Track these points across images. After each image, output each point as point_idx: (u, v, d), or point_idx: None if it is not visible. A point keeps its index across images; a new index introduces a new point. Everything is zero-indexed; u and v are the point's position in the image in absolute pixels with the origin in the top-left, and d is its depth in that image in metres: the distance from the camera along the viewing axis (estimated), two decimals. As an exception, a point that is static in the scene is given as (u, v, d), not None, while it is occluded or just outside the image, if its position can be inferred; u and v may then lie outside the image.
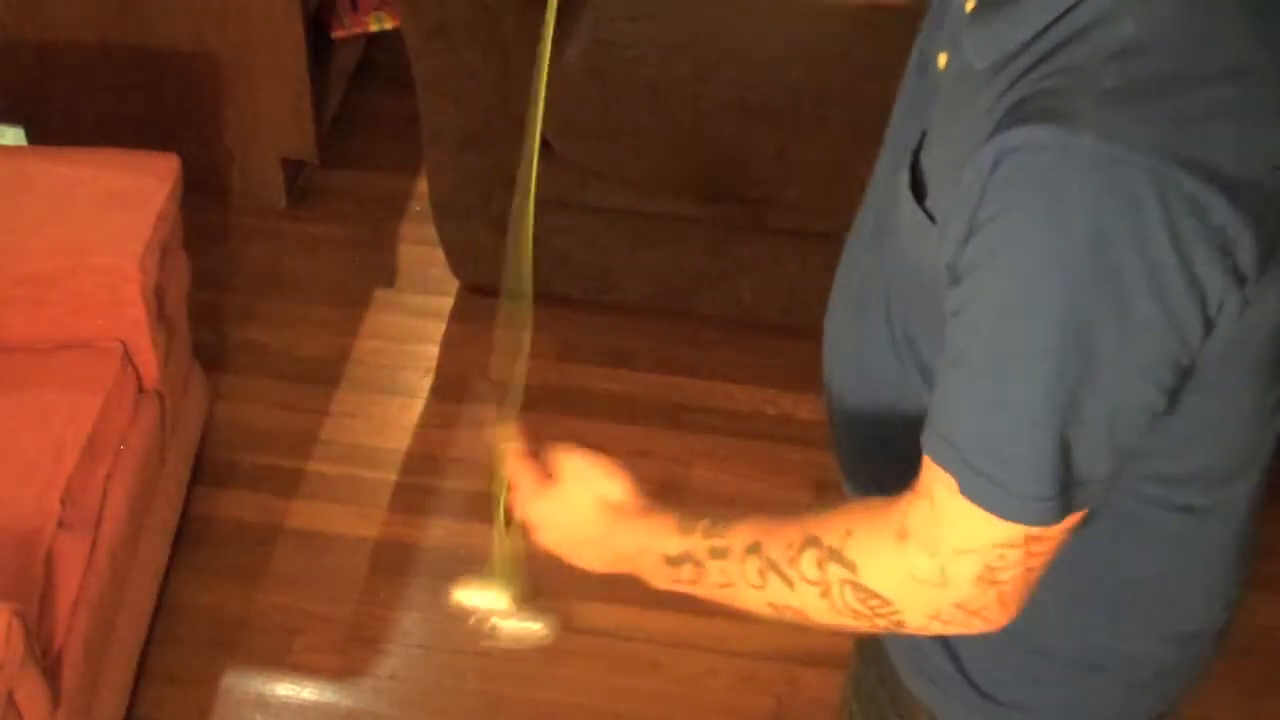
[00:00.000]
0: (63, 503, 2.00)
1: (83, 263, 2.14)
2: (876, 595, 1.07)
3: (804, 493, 2.50)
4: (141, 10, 2.82)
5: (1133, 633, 1.23)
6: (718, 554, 1.15)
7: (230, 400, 2.68)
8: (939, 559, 1.03)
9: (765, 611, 1.15)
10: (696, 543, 1.16)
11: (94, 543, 2.03)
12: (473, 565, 1.37)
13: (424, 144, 2.68)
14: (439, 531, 2.51)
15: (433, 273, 2.92)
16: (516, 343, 1.30)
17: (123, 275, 2.13)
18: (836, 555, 1.08)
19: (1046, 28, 0.96)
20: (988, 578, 1.03)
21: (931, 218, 1.05)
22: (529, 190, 1.24)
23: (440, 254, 2.83)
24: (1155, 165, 0.90)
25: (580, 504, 1.24)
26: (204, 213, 2.84)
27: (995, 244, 0.95)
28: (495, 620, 1.35)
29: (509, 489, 1.29)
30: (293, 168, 3.05)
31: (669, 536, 1.18)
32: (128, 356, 2.20)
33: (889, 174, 1.17)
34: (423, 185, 2.92)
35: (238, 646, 2.37)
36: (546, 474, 1.26)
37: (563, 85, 2.49)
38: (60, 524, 1.99)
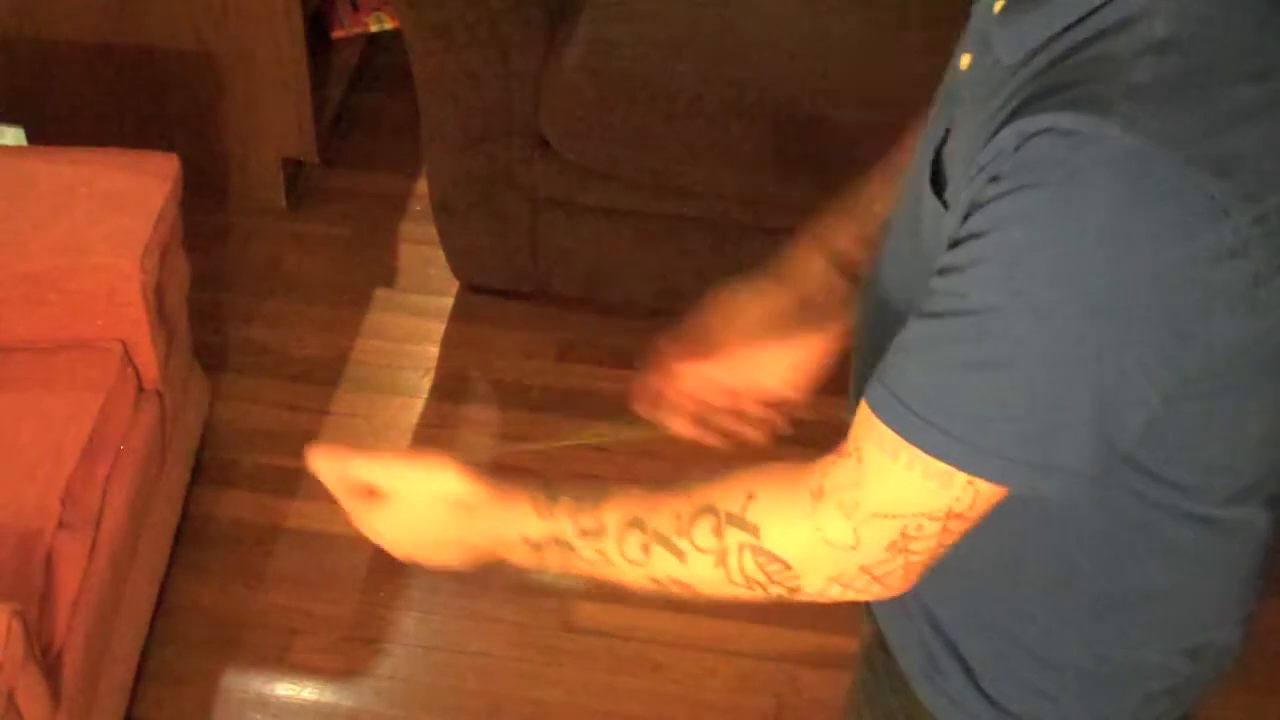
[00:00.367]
0: (63, 503, 2.00)
1: (83, 263, 2.14)
2: (778, 559, 1.06)
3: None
4: (141, 10, 2.81)
5: (1147, 645, 1.22)
6: (589, 534, 1.12)
7: (230, 400, 2.68)
8: (854, 520, 1.02)
9: (647, 586, 1.13)
10: (561, 523, 1.14)
11: (94, 542, 2.03)
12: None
13: (424, 144, 2.68)
14: (439, 531, 2.51)
15: (433, 273, 2.91)
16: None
17: (123, 275, 2.13)
18: (736, 520, 1.07)
19: (1077, 22, 0.97)
20: (901, 545, 1.03)
21: (946, 205, 1.05)
22: None
23: (440, 254, 2.83)
24: (1178, 163, 0.90)
25: (418, 507, 1.19)
26: (204, 213, 2.83)
27: (1005, 216, 0.94)
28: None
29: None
30: (293, 168, 3.04)
31: (527, 520, 1.15)
32: (128, 356, 2.20)
33: (916, 176, 1.16)
34: (423, 185, 2.92)
35: (238, 646, 2.37)
36: (368, 491, 1.21)
37: (563, 85, 2.49)
38: (60, 524, 1.99)
